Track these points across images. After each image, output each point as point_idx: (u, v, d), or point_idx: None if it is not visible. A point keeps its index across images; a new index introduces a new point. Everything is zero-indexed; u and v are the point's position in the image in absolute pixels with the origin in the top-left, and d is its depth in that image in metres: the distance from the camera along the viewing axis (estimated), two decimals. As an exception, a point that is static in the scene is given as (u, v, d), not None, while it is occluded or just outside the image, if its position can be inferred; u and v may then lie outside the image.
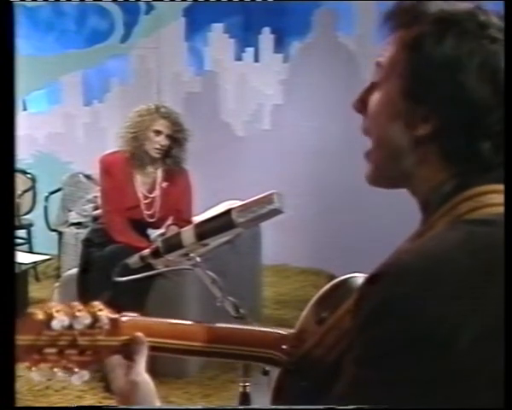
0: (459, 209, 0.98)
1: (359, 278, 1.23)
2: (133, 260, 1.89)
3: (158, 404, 1.15)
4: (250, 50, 6.85)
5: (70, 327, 1.10)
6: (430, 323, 0.88)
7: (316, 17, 6.62)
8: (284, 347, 1.24)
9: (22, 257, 5.29)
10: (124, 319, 1.17)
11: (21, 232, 6.43)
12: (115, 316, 1.16)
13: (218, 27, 6.88)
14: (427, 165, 1.03)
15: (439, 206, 1.00)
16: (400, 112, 1.02)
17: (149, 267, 1.90)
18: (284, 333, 1.28)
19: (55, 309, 1.10)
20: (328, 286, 1.26)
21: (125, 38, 7.08)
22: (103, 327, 1.13)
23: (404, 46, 1.02)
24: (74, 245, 5.76)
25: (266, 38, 6.79)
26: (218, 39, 6.91)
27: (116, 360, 1.16)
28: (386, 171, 1.07)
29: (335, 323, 1.13)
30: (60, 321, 1.09)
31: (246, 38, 6.88)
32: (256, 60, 6.85)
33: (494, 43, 0.99)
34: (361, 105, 1.09)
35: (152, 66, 7.06)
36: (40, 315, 1.09)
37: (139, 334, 1.17)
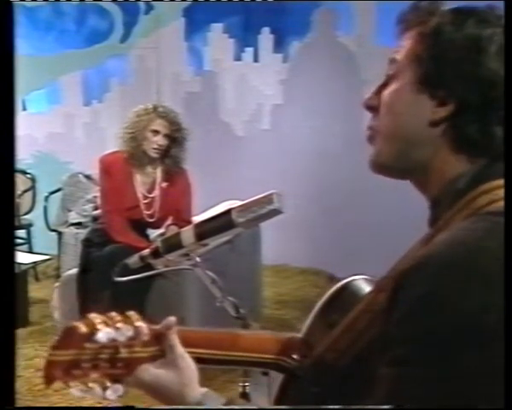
0: (478, 202, 0.98)
1: (361, 279, 1.23)
2: (133, 260, 1.89)
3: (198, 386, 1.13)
4: (250, 50, 6.84)
5: (113, 339, 1.06)
6: (476, 313, 0.87)
7: (315, 17, 6.62)
8: (294, 356, 1.23)
9: (22, 257, 5.29)
10: (157, 326, 1.13)
11: (21, 232, 6.43)
12: (151, 326, 1.12)
13: (217, 27, 6.88)
14: (442, 153, 1.04)
15: (453, 201, 1.01)
16: (420, 98, 1.04)
17: (149, 267, 1.90)
18: (292, 338, 1.27)
19: (97, 321, 1.05)
20: (332, 290, 1.25)
21: (124, 38, 7.08)
22: (142, 338, 1.09)
23: (423, 37, 1.05)
24: (74, 245, 5.75)
25: (266, 37, 6.79)
26: (218, 39, 6.90)
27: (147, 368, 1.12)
28: (398, 158, 1.08)
29: (349, 325, 1.11)
30: (106, 333, 1.05)
31: (245, 37, 6.87)
32: (256, 60, 6.84)
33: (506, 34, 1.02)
34: (374, 102, 1.10)
35: (151, 66, 7.06)
36: (83, 328, 1.04)
37: (170, 319, 1.13)
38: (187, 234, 1.74)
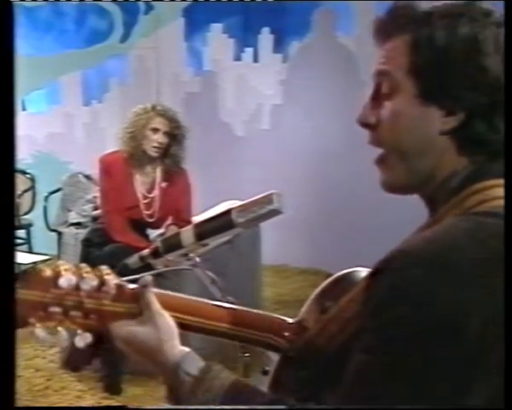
0: (468, 202, 0.98)
1: (362, 271, 1.24)
2: (132, 260, 1.89)
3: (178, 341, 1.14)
4: (249, 50, 6.85)
5: (77, 288, 1.10)
6: (442, 309, 0.88)
7: (315, 17, 6.62)
8: (286, 334, 1.24)
9: (22, 257, 5.29)
10: (130, 286, 1.17)
11: (21, 232, 6.43)
12: (121, 282, 1.16)
13: (217, 27, 6.88)
14: (445, 159, 1.03)
15: (446, 199, 1.01)
16: (424, 112, 1.02)
17: (149, 267, 1.90)
18: (287, 320, 1.28)
19: (64, 268, 1.10)
20: (331, 278, 1.27)
21: (124, 38, 7.08)
22: (109, 292, 1.12)
23: (415, 47, 1.02)
24: (74, 245, 5.75)
25: (265, 38, 6.79)
26: (218, 39, 6.91)
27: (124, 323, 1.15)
28: (411, 178, 1.06)
29: (338, 312, 1.12)
30: (67, 279, 1.09)
31: (245, 38, 6.87)
32: (255, 60, 6.85)
33: (499, 27, 1.01)
34: (370, 120, 1.08)
35: (151, 66, 7.06)
36: (48, 272, 1.10)
37: (146, 277, 1.17)
38: (187, 234, 1.74)
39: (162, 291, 1.23)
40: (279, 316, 1.30)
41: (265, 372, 1.52)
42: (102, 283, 1.12)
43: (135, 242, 4.06)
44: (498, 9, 1.05)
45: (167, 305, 1.19)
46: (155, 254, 1.79)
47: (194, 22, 6.92)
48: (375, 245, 6.31)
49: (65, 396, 3.94)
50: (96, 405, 3.67)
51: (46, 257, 5.83)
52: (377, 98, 1.07)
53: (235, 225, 1.68)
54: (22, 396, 3.66)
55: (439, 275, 0.89)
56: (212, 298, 1.84)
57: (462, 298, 0.88)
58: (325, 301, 1.21)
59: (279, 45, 6.78)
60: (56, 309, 1.10)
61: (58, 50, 7.25)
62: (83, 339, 1.12)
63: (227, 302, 1.81)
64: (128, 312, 1.14)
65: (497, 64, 0.99)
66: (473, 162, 1.02)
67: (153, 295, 1.15)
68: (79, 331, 1.12)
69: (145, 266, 1.89)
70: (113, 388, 3.89)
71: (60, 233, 6.35)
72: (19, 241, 6.28)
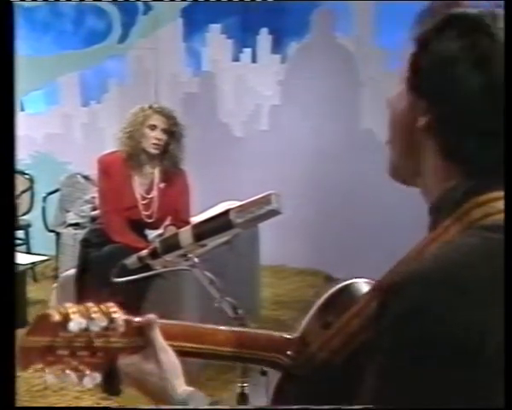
0: (472, 215, 0.98)
1: (362, 283, 1.23)
2: (131, 260, 1.90)
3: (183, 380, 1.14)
4: (248, 51, 6.85)
5: (86, 329, 1.09)
6: (457, 331, 0.88)
7: (314, 17, 6.62)
8: (289, 352, 1.24)
9: (20, 258, 5.28)
10: (137, 319, 1.16)
11: (19, 233, 6.42)
12: (129, 318, 1.15)
13: (215, 28, 6.88)
14: (430, 161, 1.04)
15: (450, 211, 1.01)
16: (407, 106, 1.06)
17: (147, 268, 1.91)
18: (288, 337, 1.27)
19: (72, 310, 1.08)
20: (331, 291, 1.25)
21: (122, 39, 7.08)
22: (118, 329, 1.11)
23: (415, 41, 1.05)
24: (72, 246, 5.75)
25: (264, 38, 6.79)
26: (216, 40, 6.91)
27: (130, 358, 1.15)
28: (400, 167, 1.10)
29: (341, 327, 1.12)
30: (77, 323, 1.07)
31: (243, 38, 6.88)
32: (254, 60, 6.85)
33: (488, 37, 1.00)
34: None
35: (150, 66, 7.06)
36: (56, 316, 1.07)
37: (150, 315, 1.16)
38: (185, 235, 1.75)
39: (164, 321, 1.22)
40: (280, 334, 1.30)
41: (264, 373, 1.52)
42: (111, 321, 1.11)
43: (133, 242, 4.05)
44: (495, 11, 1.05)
45: (169, 334, 1.19)
46: (154, 254, 1.80)
47: (193, 23, 6.92)
48: (374, 246, 6.30)
49: (64, 397, 3.94)
50: (95, 405, 3.67)
51: (44, 258, 5.84)
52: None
53: (233, 226, 1.69)
54: (21, 397, 3.66)
55: (450, 295, 0.89)
56: (210, 298, 1.85)
57: (477, 318, 0.88)
58: (326, 316, 1.20)
59: (277, 46, 6.78)
60: (64, 352, 1.08)
61: (56, 51, 7.25)
62: (91, 380, 1.11)
63: (225, 303, 1.82)
64: (134, 346, 1.14)
65: (471, 76, 0.98)
66: (458, 173, 1.02)
67: (157, 332, 1.15)
68: (87, 372, 1.10)
69: (144, 267, 1.89)
70: (111, 389, 3.89)
71: (58, 234, 6.35)
72: (17, 241, 6.28)
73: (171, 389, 1.13)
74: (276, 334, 1.31)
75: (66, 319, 1.07)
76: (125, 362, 1.14)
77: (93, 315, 1.09)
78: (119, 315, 1.13)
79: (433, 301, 0.89)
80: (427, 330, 0.89)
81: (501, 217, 0.97)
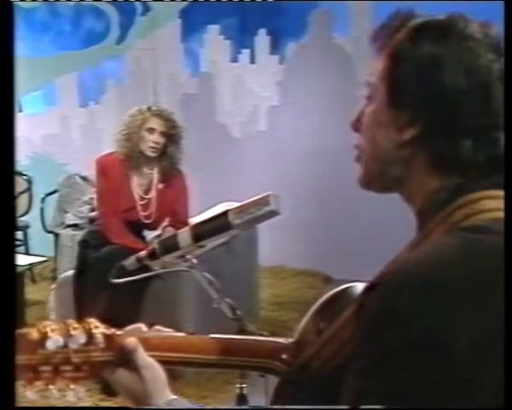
0: (454, 217, 0.98)
1: (358, 287, 1.23)
2: (129, 261, 1.90)
3: (167, 391, 1.14)
4: (246, 52, 6.85)
5: (65, 346, 1.10)
6: (429, 330, 0.88)
7: (312, 18, 6.63)
8: (284, 356, 1.24)
9: (19, 259, 5.28)
10: (118, 332, 1.17)
11: (18, 234, 6.42)
12: (110, 332, 1.16)
13: (213, 29, 6.88)
14: (417, 170, 1.04)
15: (435, 213, 1.01)
16: (387, 119, 1.05)
17: (146, 269, 1.91)
18: (283, 342, 1.27)
19: (50, 328, 1.10)
20: (327, 295, 1.25)
21: (120, 40, 7.08)
22: (98, 344, 1.13)
23: (386, 56, 1.05)
24: (70, 247, 5.74)
25: (262, 39, 6.79)
26: (214, 41, 6.91)
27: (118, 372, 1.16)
28: (378, 177, 1.10)
29: (333, 334, 1.12)
30: (54, 341, 1.10)
31: (242, 39, 6.88)
32: (252, 61, 6.85)
33: (473, 41, 1.01)
34: (357, 124, 1.12)
35: (148, 67, 7.06)
36: (35, 335, 1.10)
37: (128, 340, 1.15)
38: (184, 236, 1.75)
39: (157, 334, 1.23)
40: (275, 339, 1.29)
41: (262, 374, 1.52)
42: (91, 337, 1.13)
43: (132, 243, 4.05)
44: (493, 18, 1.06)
45: (163, 346, 1.20)
46: (152, 255, 1.80)
47: (191, 24, 6.92)
48: (373, 247, 6.30)
49: (63, 397, 3.93)
50: (94, 405, 3.67)
51: (43, 259, 5.83)
52: (364, 106, 1.11)
53: (232, 227, 1.68)
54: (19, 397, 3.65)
55: (426, 296, 0.89)
56: (209, 299, 1.85)
57: (448, 318, 0.89)
58: (320, 322, 1.20)
59: (276, 47, 6.78)
60: (45, 368, 1.10)
61: (54, 52, 7.24)
62: (74, 394, 1.13)
63: (224, 304, 1.82)
64: (117, 359, 1.15)
65: (455, 78, 0.99)
66: (447, 179, 1.02)
67: (139, 352, 1.15)
68: (71, 386, 1.12)
69: (142, 268, 1.89)
70: (110, 389, 3.88)
71: (56, 235, 6.35)
72: (16, 242, 6.27)
73: (155, 400, 1.14)
74: (272, 340, 1.30)
75: (44, 337, 1.10)
76: (110, 373, 1.15)
77: (72, 332, 1.11)
78: (100, 330, 1.14)
79: (405, 302, 0.90)
80: (398, 332, 0.89)
81: (482, 217, 0.97)
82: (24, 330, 1.09)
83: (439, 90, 1.00)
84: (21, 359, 1.08)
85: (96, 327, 1.14)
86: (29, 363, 1.09)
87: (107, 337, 1.14)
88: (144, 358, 1.15)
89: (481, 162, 1.00)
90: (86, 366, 1.13)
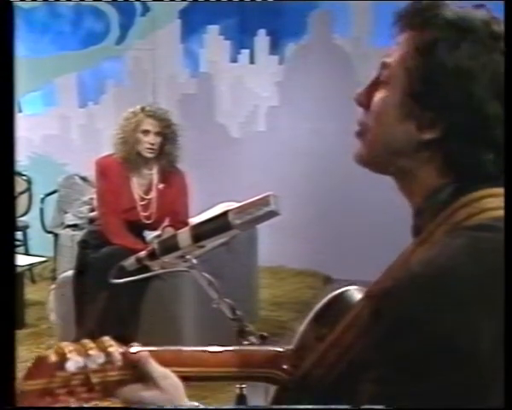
0: (457, 216, 0.98)
1: (355, 291, 1.22)
2: (129, 261, 1.90)
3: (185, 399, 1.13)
4: (245, 52, 6.85)
5: (84, 367, 1.08)
6: (449, 333, 0.88)
7: (311, 19, 6.63)
8: (285, 366, 1.23)
9: (18, 259, 5.28)
10: (132, 350, 1.14)
11: (17, 234, 6.41)
12: (126, 350, 1.13)
13: (213, 29, 6.88)
14: (427, 169, 1.03)
15: (435, 213, 1.00)
16: (408, 114, 1.03)
17: (145, 269, 1.91)
18: (283, 350, 1.26)
19: (68, 349, 1.07)
20: (324, 301, 1.24)
21: (120, 40, 7.07)
22: (115, 363, 1.10)
23: (416, 49, 1.02)
24: (70, 247, 5.74)
25: (262, 39, 6.79)
26: (214, 41, 6.91)
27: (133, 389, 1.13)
28: (382, 161, 1.08)
29: (336, 340, 1.11)
30: (74, 362, 1.07)
31: (241, 39, 6.88)
32: (251, 61, 6.85)
33: (502, 55, 1.00)
34: (364, 99, 1.09)
35: (147, 67, 7.06)
36: (53, 358, 1.06)
37: (139, 354, 1.13)
38: (183, 236, 1.75)
39: (159, 348, 1.20)
40: (275, 348, 1.28)
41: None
42: (108, 355, 1.10)
43: (132, 244, 4.05)
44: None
45: (164, 361, 1.17)
46: (152, 255, 1.80)
47: (191, 24, 6.92)
48: (372, 247, 6.30)
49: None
50: (94, 406, 3.66)
51: (42, 259, 5.83)
52: (376, 84, 1.08)
53: (231, 227, 1.69)
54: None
55: (442, 299, 0.89)
56: (209, 299, 1.85)
57: (466, 318, 0.88)
58: (320, 327, 1.18)
59: (275, 47, 6.78)
60: (62, 390, 1.07)
61: (54, 52, 7.24)
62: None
63: (224, 304, 1.82)
64: (133, 377, 1.12)
65: (487, 94, 0.98)
66: (457, 181, 1.02)
67: (151, 363, 1.13)
68: (85, 405, 1.10)
69: (142, 268, 1.89)
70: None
71: (56, 235, 6.35)
72: (15, 243, 6.26)
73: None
74: (270, 349, 1.29)
75: (62, 358, 1.07)
76: (126, 392, 1.12)
77: (90, 352, 1.08)
78: (116, 349, 1.11)
79: (420, 309, 0.89)
80: (416, 339, 0.89)
81: (485, 215, 0.97)
82: (41, 354, 1.06)
83: (470, 100, 0.99)
84: (40, 384, 1.05)
85: (111, 345, 1.11)
86: (48, 387, 1.06)
87: (123, 355, 1.12)
88: (158, 368, 1.13)
89: (497, 176, 1.00)
90: (100, 386, 1.10)
